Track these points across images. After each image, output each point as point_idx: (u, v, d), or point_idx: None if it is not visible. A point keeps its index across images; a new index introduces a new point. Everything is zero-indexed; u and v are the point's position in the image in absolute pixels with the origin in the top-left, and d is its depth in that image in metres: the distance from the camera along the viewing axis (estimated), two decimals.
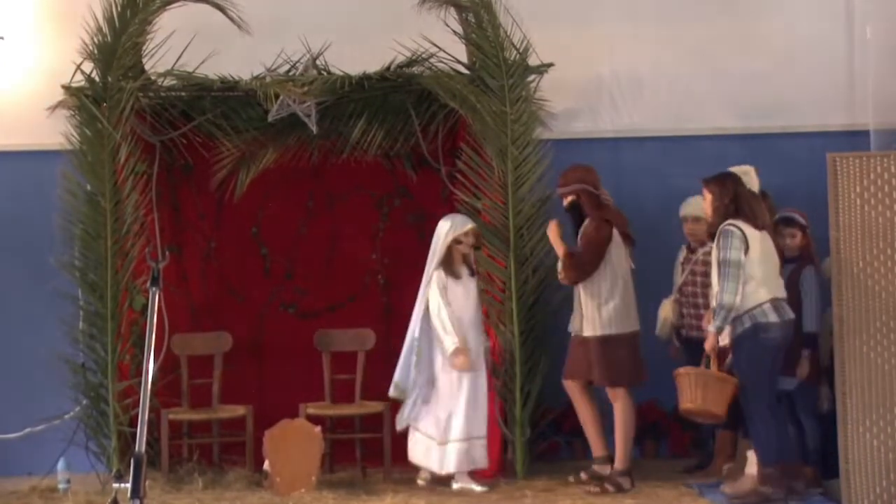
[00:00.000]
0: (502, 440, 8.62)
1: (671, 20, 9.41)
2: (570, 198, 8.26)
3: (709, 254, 8.42)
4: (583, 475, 8.30)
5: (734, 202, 7.58)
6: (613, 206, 8.34)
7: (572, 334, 8.30)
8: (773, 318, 7.44)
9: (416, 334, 8.31)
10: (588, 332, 8.15)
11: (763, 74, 9.37)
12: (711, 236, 7.72)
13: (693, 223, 8.57)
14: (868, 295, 7.31)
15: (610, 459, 8.25)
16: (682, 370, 7.66)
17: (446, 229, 8.35)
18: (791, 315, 7.53)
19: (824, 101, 9.38)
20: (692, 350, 8.32)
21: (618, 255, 8.18)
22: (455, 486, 8.22)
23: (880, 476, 7.24)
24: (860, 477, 7.26)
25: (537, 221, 8.69)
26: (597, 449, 8.37)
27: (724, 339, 7.56)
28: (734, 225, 7.49)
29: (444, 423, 8.23)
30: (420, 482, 8.37)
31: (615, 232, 8.18)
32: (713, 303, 7.71)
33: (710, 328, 7.53)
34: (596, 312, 8.11)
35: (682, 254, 8.69)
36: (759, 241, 7.52)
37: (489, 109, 8.62)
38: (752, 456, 7.70)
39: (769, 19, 9.45)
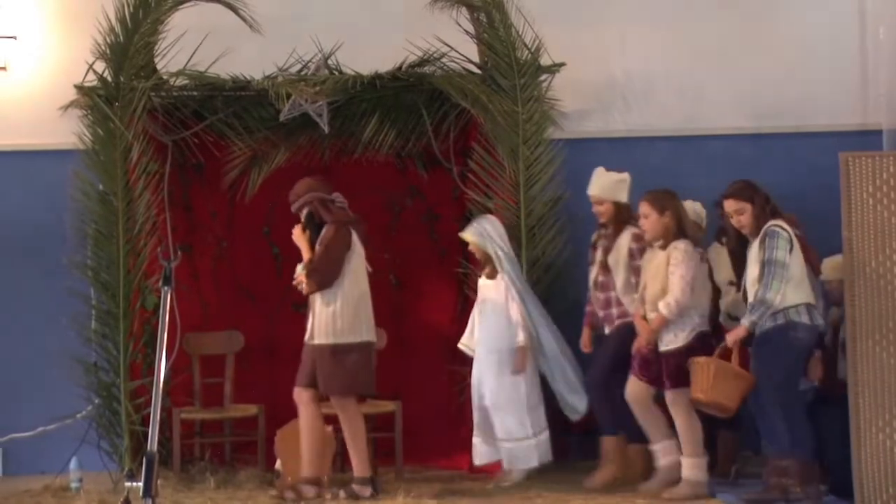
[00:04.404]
0: None
1: (683, 20, 9.39)
2: (305, 210, 8.01)
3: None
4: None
5: (769, 203, 7.56)
6: (349, 212, 8.10)
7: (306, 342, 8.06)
8: (804, 319, 7.42)
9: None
10: (320, 339, 7.94)
11: (775, 74, 9.35)
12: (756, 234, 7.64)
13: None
14: (881, 295, 7.27)
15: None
16: (698, 359, 7.60)
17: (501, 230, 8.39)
18: (820, 321, 7.52)
19: (837, 101, 9.34)
20: None
21: (358, 262, 7.98)
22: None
23: (893, 477, 7.20)
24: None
25: (549, 221, 8.69)
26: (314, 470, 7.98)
27: (739, 333, 7.53)
28: (780, 226, 7.46)
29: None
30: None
31: (355, 238, 7.98)
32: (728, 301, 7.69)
33: (744, 321, 7.50)
34: (330, 320, 7.91)
35: None
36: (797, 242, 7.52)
37: (501, 109, 8.62)
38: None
39: (781, 19, 9.43)
